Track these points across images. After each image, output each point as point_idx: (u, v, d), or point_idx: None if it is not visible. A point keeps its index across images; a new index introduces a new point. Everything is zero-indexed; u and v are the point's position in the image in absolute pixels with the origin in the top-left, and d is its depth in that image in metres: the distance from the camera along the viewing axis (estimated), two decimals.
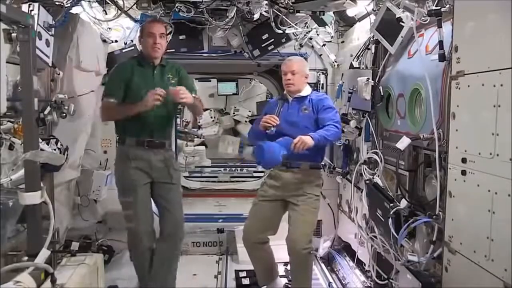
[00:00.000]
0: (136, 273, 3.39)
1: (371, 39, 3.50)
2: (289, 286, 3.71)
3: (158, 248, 3.33)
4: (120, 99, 3.20)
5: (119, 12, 3.68)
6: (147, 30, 3.21)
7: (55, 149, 3.06)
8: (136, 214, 3.23)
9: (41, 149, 2.67)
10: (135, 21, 4.18)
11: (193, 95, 3.25)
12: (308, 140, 3.07)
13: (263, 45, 4.42)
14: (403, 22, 2.86)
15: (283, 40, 4.41)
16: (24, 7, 2.75)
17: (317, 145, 3.16)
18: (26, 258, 2.38)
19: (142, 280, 3.36)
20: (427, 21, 2.63)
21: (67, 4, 3.21)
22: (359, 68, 3.75)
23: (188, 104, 3.21)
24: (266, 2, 3.68)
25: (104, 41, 4.12)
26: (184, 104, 3.19)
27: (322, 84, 4.70)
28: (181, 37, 4.39)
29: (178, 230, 3.37)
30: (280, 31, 4.13)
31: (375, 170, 3.31)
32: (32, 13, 2.75)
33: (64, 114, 3.16)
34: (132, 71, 3.23)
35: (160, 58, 3.29)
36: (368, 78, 3.31)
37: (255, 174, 7.02)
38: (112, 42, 4.26)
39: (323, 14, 3.87)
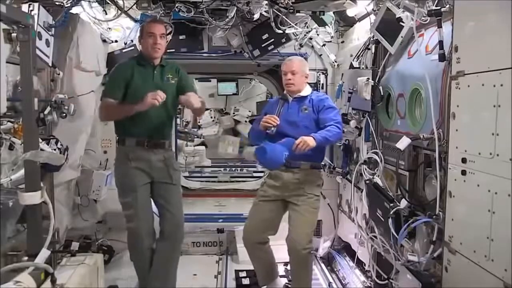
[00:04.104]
0: (136, 273, 3.39)
1: (371, 39, 3.50)
2: (289, 286, 3.71)
3: (158, 249, 3.33)
4: (120, 99, 3.19)
5: (119, 12, 3.69)
6: (148, 30, 3.20)
7: (55, 149, 3.05)
8: (137, 214, 3.23)
9: (41, 149, 2.67)
10: (135, 21, 4.18)
11: (198, 96, 3.31)
12: (310, 141, 3.07)
13: (263, 45, 4.42)
14: (403, 22, 2.86)
15: (283, 40, 4.40)
16: (24, 7, 2.76)
17: (319, 146, 3.16)
18: (26, 258, 2.38)
19: (143, 280, 3.36)
20: (427, 21, 2.63)
21: (67, 4, 3.21)
22: (359, 68, 3.75)
23: (195, 108, 3.19)
24: (266, 2, 3.68)
25: (104, 41, 4.11)
26: (194, 108, 3.19)
27: (322, 84, 4.70)
28: (181, 37, 4.39)
29: (178, 230, 3.37)
30: (280, 31, 4.13)
31: (375, 170, 3.31)
32: (32, 13, 2.75)
33: (64, 114, 3.16)
34: (132, 71, 3.23)
35: (160, 58, 3.30)
36: (368, 78, 3.31)
37: (255, 174, 7.02)
38: (112, 42, 4.25)
39: (323, 14, 3.88)
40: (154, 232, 3.37)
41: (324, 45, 4.52)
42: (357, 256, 3.86)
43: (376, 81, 3.33)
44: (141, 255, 3.30)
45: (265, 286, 3.66)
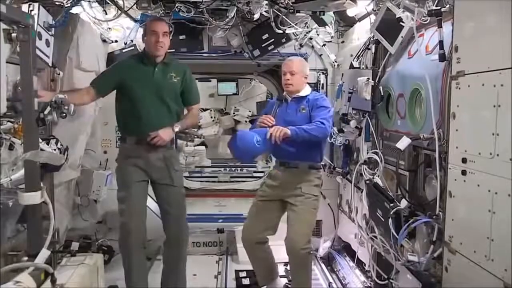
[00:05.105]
0: (123, 267, 3.32)
1: (371, 39, 3.50)
2: (289, 286, 3.71)
3: (165, 253, 3.40)
4: (102, 93, 3.30)
5: (119, 12, 3.68)
6: (150, 28, 3.23)
7: (55, 149, 3.06)
8: (128, 209, 3.23)
9: (41, 149, 2.67)
10: (135, 21, 4.18)
11: (192, 106, 3.45)
12: (284, 128, 3.07)
13: (263, 45, 4.42)
14: (403, 22, 2.86)
15: (283, 40, 4.40)
16: (24, 7, 2.76)
17: (297, 138, 3.12)
18: (26, 258, 2.38)
19: (127, 278, 3.30)
20: (427, 21, 2.63)
21: (67, 4, 3.21)
22: (359, 68, 3.75)
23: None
24: (266, 2, 3.68)
25: (104, 41, 4.12)
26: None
27: (322, 84, 4.70)
28: (181, 37, 4.39)
29: (182, 234, 3.40)
30: (280, 31, 4.13)
31: (375, 170, 3.31)
32: (32, 13, 2.75)
33: (64, 114, 3.15)
34: (132, 68, 3.26)
35: (163, 56, 3.29)
36: (368, 78, 3.31)
37: (255, 174, 7.01)
38: (112, 42, 4.26)
39: (323, 14, 3.87)
40: (145, 230, 3.33)
41: (324, 45, 4.52)
42: (357, 256, 3.86)
43: (376, 81, 3.33)
44: (129, 251, 3.24)
45: (265, 286, 3.66)
